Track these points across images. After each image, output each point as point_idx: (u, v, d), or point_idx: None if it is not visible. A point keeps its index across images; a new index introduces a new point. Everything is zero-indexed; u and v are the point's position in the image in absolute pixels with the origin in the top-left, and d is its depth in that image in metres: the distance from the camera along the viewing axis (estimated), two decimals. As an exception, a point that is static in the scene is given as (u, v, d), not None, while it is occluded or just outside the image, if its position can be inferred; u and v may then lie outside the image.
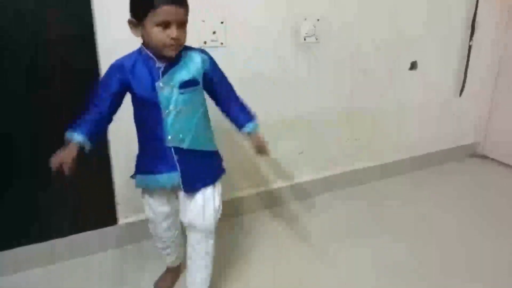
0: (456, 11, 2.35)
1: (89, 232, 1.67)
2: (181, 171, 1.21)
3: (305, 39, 1.89)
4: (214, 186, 1.27)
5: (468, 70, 2.48)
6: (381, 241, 1.80)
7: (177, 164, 1.20)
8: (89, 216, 1.67)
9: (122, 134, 1.60)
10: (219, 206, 1.29)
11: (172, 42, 1.09)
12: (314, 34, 1.90)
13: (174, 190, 1.28)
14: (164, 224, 1.35)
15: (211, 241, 1.30)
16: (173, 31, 1.08)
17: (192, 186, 1.24)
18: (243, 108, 1.29)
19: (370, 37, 2.09)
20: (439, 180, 2.45)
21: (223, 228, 1.53)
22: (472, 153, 2.79)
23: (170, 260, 1.48)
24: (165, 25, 1.07)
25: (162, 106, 1.14)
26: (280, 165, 2.07)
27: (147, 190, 1.30)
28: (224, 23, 1.68)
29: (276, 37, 1.83)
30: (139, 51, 1.16)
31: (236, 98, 1.29)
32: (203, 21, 1.64)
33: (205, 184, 1.25)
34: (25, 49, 1.40)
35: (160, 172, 1.21)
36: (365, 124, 2.25)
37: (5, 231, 1.54)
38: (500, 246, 1.78)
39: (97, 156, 1.61)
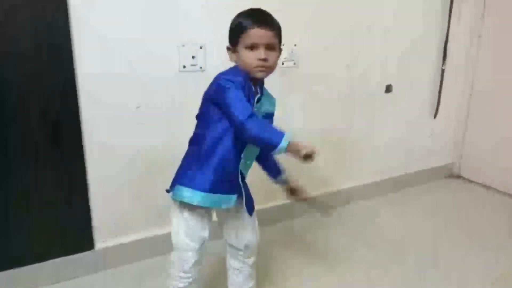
0: (429, 36, 2.44)
1: (65, 258, 1.63)
2: (245, 194, 1.27)
3: (283, 63, 1.93)
4: None
5: (442, 93, 2.56)
6: (356, 265, 1.81)
7: (241, 187, 1.25)
8: (64, 241, 1.63)
9: (99, 155, 1.61)
10: None
11: (260, 63, 1.14)
12: (292, 59, 1.95)
13: (221, 213, 1.34)
14: (196, 256, 1.26)
15: (255, 254, 1.41)
16: (261, 53, 1.13)
17: (250, 208, 1.30)
18: (275, 162, 1.41)
19: (345, 61, 2.15)
20: (415, 201, 2.49)
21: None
22: (448, 174, 2.86)
23: None
24: (254, 47, 1.13)
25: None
26: (259, 186, 2.07)
27: (193, 210, 1.23)
28: (203, 48, 1.71)
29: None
30: (238, 69, 1.18)
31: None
32: (183, 45, 1.67)
33: (254, 207, 1.33)
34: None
35: (230, 193, 1.24)
36: (341, 146, 2.29)
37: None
38: (477, 262, 1.81)
39: (73, 179, 1.60)
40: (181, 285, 1.28)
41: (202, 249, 1.27)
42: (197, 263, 1.27)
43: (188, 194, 1.19)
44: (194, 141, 1.25)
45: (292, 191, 1.44)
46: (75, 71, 1.50)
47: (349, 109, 2.24)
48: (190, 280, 1.29)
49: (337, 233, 2.05)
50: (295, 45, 1.94)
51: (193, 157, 1.23)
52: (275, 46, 1.17)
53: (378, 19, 2.19)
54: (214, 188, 1.19)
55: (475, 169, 2.76)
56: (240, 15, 1.19)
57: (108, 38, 1.53)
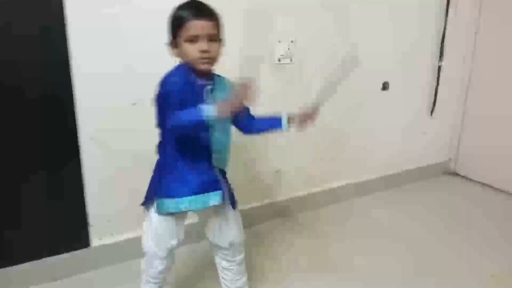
0: (426, 33, 2.44)
1: (60, 255, 1.63)
2: (226, 188, 1.25)
3: (279, 60, 1.92)
4: None
5: (438, 90, 2.56)
6: (352, 263, 1.81)
7: (220, 182, 1.23)
8: (60, 239, 1.63)
9: (95, 153, 1.60)
10: None
11: (203, 55, 1.11)
12: (289, 56, 1.94)
13: (202, 212, 1.31)
14: (163, 263, 1.29)
15: (243, 250, 1.40)
16: (202, 45, 1.10)
17: (233, 203, 1.30)
18: (265, 117, 1.34)
19: (342, 59, 2.14)
20: (411, 198, 2.49)
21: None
22: (444, 171, 2.86)
23: None
24: (195, 39, 1.11)
25: (210, 124, 1.12)
26: (256, 184, 2.07)
27: (163, 217, 1.23)
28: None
29: (251, 59, 1.85)
30: (180, 67, 1.17)
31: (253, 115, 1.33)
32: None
33: (236, 201, 1.32)
34: None
35: (207, 191, 1.21)
36: (337, 144, 2.29)
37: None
38: (473, 259, 1.81)
39: (69, 176, 1.59)
40: (152, 286, 1.33)
41: (170, 257, 1.29)
42: (164, 270, 1.31)
43: (172, 204, 1.20)
44: (160, 151, 1.26)
45: (306, 117, 1.33)
46: (70, 68, 1.49)
47: (345, 106, 2.23)
48: (159, 285, 1.34)
49: (333, 231, 2.04)
50: (291, 41, 1.93)
51: (163, 166, 1.24)
52: (216, 38, 1.14)
53: (375, 15, 2.18)
54: (196, 189, 1.20)
55: (471, 167, 2.77)
56: (178, 7, 1.15)
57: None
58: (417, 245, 1.95)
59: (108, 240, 1.71)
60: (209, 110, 1.03)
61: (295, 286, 1.64)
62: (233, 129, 1.32)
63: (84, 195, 1.64)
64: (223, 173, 1.29)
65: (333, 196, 2.34)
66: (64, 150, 1.56)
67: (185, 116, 1.06)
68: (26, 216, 1.54)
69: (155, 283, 1.33)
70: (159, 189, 1.23)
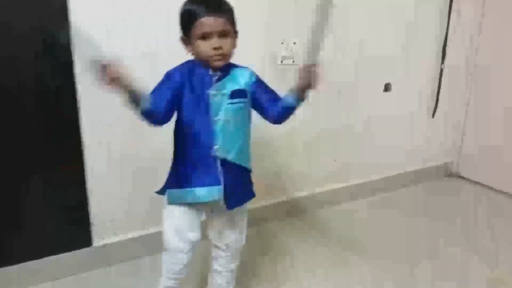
0: (429, 35, 2.44)
1: (62, 255, 1.63)
2: (225, 185, 1.18)
3: (282, 61, 1.93)
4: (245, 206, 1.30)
5: (440, 92, 2.56)
6: (352, 264, 1.81)
7: (221, 177, 1.17)
8: (62, 238, 1.63)
9: (97, 152, 1.61)
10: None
11: (215, 52, 1.10)
12: (291, 57, 1.95)
13: (207, 209, 1.26)
14: (186, 257, 1.25)
15: (238, 259, 1.38)
16: (214, 41, 1.09)
17: (232, 202, 1.21)
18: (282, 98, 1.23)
19: (344, 60, 2.15)
20: (413, 200, 2.49)
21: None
22: (447, 173, 2.86)
23: None
24: (207, 36, 1.09)
25: (212, 113, 1.14)
26: (257, 184, 2.07)
27: (182, 209, 1.22)
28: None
29: (254, 61, 1.85)
30: (192, 61, 1.17)
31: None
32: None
33: (243, 202, 1.27)
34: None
35: (202, 185, 1.17)
36: (338, 145, 2.29)
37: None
38: (475, 261, 1.81)
39: (71, 175, 1.59)
40: (171, 284, 1.30)
41: (192, 251, 1.26)
42: (187, 264, 1.27)
43: (178, 194, 1.20)
44: (174, 142, 1.26)
45: (307, 74, 1.20)
46: (73, 67, 1.50)
47: (347, 107, 2.24)
48: (180, 281, 1.30)
49: (333, 232, 2.04)
50: (294, 43, 1.94)
51: (174, 156, 1.25)
52: (228, 33, 1.12)
53: (377, 16, 2.18)
54: (184, 182, 1.19)
55: (474, 168, 2.76)
56: (187, 2, 1.12)
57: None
58: (418, 247, 1.95)
59: (110, 240, 1.72)
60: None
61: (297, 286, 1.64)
62: (257, 124, 1.28)
63: (87, 194, 1.64)
64: (243, 170, 1.24)
65: (334, 197, 2.34)
66: (67, 149, 1.57)
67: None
68: (27, 215, 1.55)
69: (178, 278, 1.29)
70: (168, 179, 1.24)
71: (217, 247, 1.35)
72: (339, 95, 2.18)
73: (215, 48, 1.09)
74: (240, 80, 1.19)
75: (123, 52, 1.57)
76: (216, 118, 1.15)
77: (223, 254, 1.34)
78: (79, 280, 1.64)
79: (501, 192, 2.57)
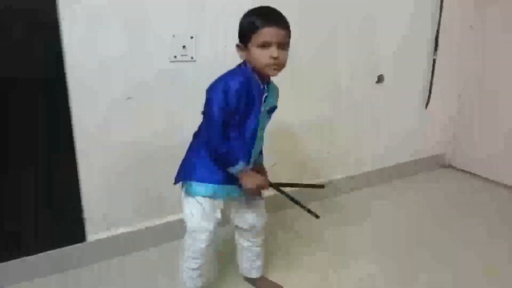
0: (421, 26, 2.44)
1: (56, 250, 1.62)
2: None
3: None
4: None
5: (433, 83, 2.57)
6: (349, 255, 1.82)
7: None
8: (56, 233, 1.62)
9: (90, 147, 1.60)
10: None
11: (273, 61, 1.16)
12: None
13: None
14: (210, 237, 1.32)
15: (263, 235, 1.50)
16: (273, 51, 1.15)
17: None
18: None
19: (337, 52, 2.14)
20: (407, 191, 2.50)
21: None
22: (440, 164, 2.88)
23: (202, 281, 1.41)
24: (267, 45, 1.15)
25: (258, 128, 1.27)
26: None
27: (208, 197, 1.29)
28: (194, 38, 1.69)
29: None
30: (244, 70, 1.22)
31: None
32: (173, 36, 1.65)
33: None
34: None
35: (232, 182, 1.27)
36: (331, 137, 2.29)
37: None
38: (469, 252, 1.83)
39: (64, 170, 1.58)
40: (195, 265, 1.35)
41: (215, 230, 1.32)
42: (211, 244, 1.34)
43: (199, 188, 1.27)
44: (197, 134, 1.31)
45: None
46: (63, 60, 1.48)
47: (340, 99, 2.24)
48: (204, 261, 1.35)
49: (329, 224, 2.05)
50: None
51: (197, 150, 1.29)
52: (286, 46, 1.19)
53: (371, 9, 2.18)
54: (222, 180, 1.27)
55: (467, 159, 2.78)
56: (251, 13, 1.20)
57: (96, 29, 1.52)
58: (412, 238, 1.96)
59: (104, 235, 1.71)
60: (238, 170, 1.22)
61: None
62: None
63: (80, 189, 1.63)
64: (257, 164, 1.39)
65: (328, 189, 2.33)
66: (59, 144, 1.55)
67: (222, 150, 1.19)
68: (20, 210, 1.53)
69: (201, 259, 1.34)
70: (188, 172, 1.29)
71: (239, 228, 1.45)
72: (331, 86, 2.18)
73: (273, 58, 1.15)
74: (275, 95, 1.33)
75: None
76: (259, 128, 1.27)
77: (248, 233, 1.45)
78: (74, 275, 1.63)
79: (495, 182, 2.59)
